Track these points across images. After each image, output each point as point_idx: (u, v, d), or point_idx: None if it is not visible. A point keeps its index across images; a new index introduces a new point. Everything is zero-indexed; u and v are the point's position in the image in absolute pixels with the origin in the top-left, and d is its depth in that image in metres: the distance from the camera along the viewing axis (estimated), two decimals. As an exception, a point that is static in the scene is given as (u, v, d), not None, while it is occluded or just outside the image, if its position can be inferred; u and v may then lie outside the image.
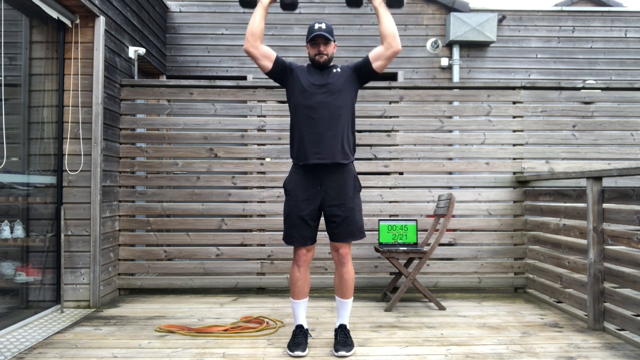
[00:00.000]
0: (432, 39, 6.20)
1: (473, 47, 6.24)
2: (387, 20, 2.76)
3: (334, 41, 2.83)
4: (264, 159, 4.41)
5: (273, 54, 2.82)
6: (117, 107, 4.21)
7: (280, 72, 2.84)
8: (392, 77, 6.11)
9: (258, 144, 4.39)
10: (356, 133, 2.96)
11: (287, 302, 3.71)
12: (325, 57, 2.78)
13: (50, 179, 3.68)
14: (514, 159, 4.43)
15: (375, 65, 2.79)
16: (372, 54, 2.79)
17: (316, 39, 2.76)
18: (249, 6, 2.84)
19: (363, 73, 2.83)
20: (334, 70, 2.82)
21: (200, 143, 4.39)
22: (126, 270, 4.29)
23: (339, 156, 2.75)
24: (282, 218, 2.88)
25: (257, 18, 2.78)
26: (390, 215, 4.37)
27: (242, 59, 6.02)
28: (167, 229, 4.42)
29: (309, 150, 2.73)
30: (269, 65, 2.81)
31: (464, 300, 4.09)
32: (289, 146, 2.93)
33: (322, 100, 2.73)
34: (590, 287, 3.26)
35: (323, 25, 2.76)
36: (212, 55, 6.11)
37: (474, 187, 4.43)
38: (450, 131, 4.47)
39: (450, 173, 4.63)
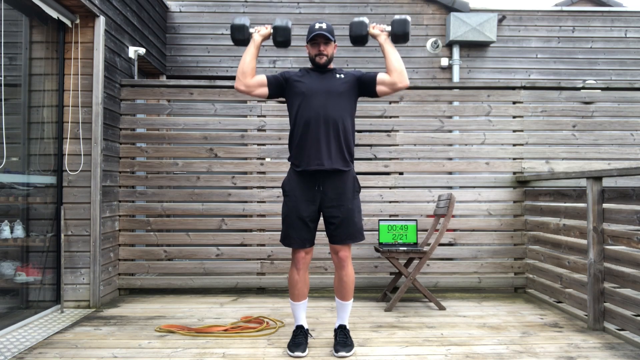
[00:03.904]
0: (432, 39, 6.20)
1: (473, 47, 6.24)
2: (394, 57, 2.75)
3: (335, 41, 2.82)
4: (264, 159, 4.41)
5: (264, 79, 2.80)
6: (117, 107, 4.21)
7: (278, 90, 2.83)
8: (392, 77, 6.11)
9: (258, 144, 4.39)
10: (356, 133, 2.95)
11: (287, 302, 3.70)
12: (325, 57, 2.76)
13: (50, 179, 3.68)
14: (514, 159, 4.43)
15: (379, 88, 2.78)
16: (380, 77, 2.78)
17: (316, 39, 2.75)
18: (242, 44, 2.84)
19: (364, 89, 2.82)
20: (337, 75, 2.80)
21: (200, 143, 4.39)
22: (126, 270, 4.29)
23: (339, 163, 2.73)
24: (281, 219, 2.87)
25: (248, 57, 2.77)
26: (390, 215, 4.37)
27: (242, 59, 6.01)
28: (167, 229, 4.42)
29: (308, 156, 2.72)
30: (265, 91, 2.80)
31: (464, 300, 4.09)
32: (288, 147, 2.92)
33: (322, 103, 2.71)
34: (590, 287, 3.26)
35: (324, 25, 2.74)
36: (212, 55, 6.11)
37: (474, 187, 4.43)
38: (450, 131, 4.47)
39: (450, 173, 4.63)
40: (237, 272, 4.37)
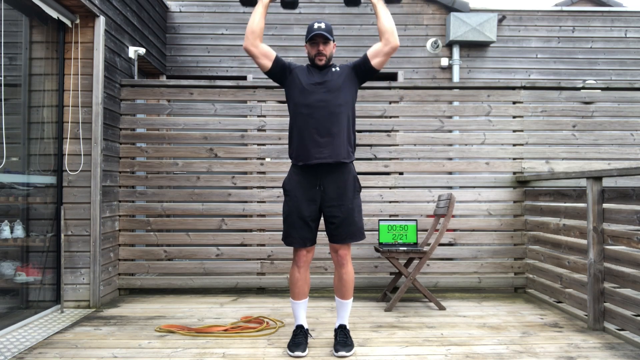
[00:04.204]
0: (432, 39, 6.20)
1: (473, 47, 6.24)
2: (385, 16, 2.77)
3: (334, 41, 2.83)
4: (264, 159, 4.41)
5: (273, 53, 2.81)
6: (117, 107, 4.21)
7: (280, 72, 2.84)
8: (392, 77, 6.11)
9: (258, 144, 4.39)
10: (356, 133, 2.95)
11: (287, 302, 3.71)
12: (324, 58, 2.77)
13: (50, 179, 3.68)
14: (514, 159, 4.43)
15: (374, 62, 2.79)
16: (370, 52, 2.80)
17: (315, 39, 2.76)
18: (250, 4, 2.85)
19: (362, 71, 2.83)
20: (333, 69, 2.81)
21: (200, 143, 4.39)
22: (126, 270, 4.29)
23: (340, 155, 2.73)
24: (282, 218, 2.88)
25: (257, 16, 2.77)
26: (390, 215, 4.37)
27: (242, 59, 6.02)
28: (167, 229, 4.42)
29: (309, 150, 2.72)
30: (268, 64, 2.81)
31: (464, 300, 4.09)
32: (288, 143, 2.92)
33: (321, 98, 2.73)
34: (590, 287, 3.26)
35: (322, 25, 2.76)
36: (212, 55, 6.11)
37: (474, 187, 4.43)
38: (450, 131, 4.47)
39: (450, 173, 4.63)
40: (237, 272, 4.37)
